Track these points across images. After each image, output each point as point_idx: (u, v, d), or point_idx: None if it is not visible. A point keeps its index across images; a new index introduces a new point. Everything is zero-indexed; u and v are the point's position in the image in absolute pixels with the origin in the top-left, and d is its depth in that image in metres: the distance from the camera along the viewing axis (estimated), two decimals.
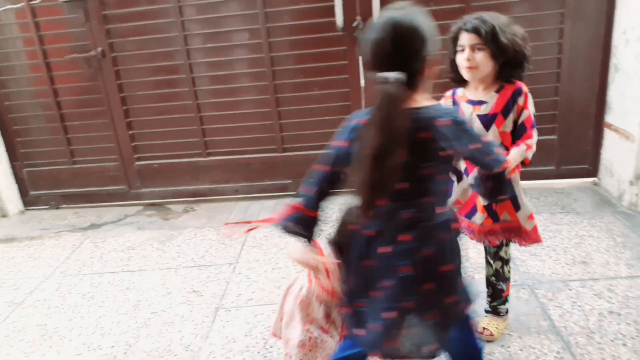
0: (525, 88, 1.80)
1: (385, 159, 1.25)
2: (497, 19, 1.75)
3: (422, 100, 1.32)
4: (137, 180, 3.84)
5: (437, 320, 1.38)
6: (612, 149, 3.26)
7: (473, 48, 1.74)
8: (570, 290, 2.33)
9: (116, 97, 3.59)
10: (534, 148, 1.80)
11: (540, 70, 3.26)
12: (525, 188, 3.35)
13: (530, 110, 1.79)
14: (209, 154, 3.73)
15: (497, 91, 1.80)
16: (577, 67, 3.24)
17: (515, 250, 2.68)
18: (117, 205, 3.89)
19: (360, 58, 3.24)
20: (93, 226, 3.59)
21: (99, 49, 3.47)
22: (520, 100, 1.78)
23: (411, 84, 1.26)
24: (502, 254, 2.00)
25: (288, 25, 3.36)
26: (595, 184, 3.44)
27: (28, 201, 3.99)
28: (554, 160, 3.45)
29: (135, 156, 3.78)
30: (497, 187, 1.44)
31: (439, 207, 1.37)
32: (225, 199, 3.79)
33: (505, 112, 1.79)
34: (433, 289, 1.36)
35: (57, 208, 3.97)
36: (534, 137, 1.80)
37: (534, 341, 2.02)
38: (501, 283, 2.04)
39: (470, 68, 1.76)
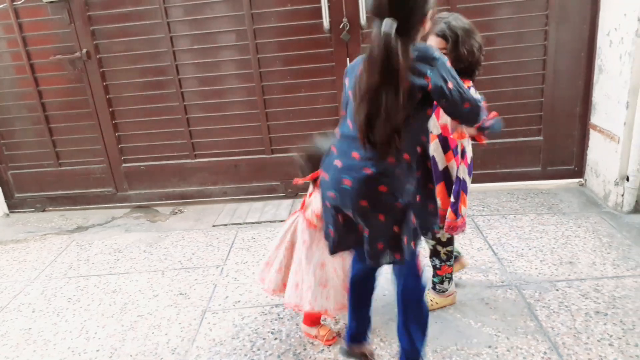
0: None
1: (380, 97, 1.39)
2: (462, 25, 1.83)
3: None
4: (124, 183, 3.81)
5: (371, 237, 1.56)
6: (597, 150, 3.28)
7: None
8: (557, 290, 2.34)
9: (102, 98, 3.56)
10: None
11: (525, 72, 3.30)
12: (511, 189, 3.44)
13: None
14: (197, 156, 3.71)
15: None
16: (562, 68, 3.26)
17: (502, 251, 2.70)
18: (104, 208, 3.86)
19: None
20: (79, 229, 3.56)
21: (84, 50, 3.44)
22: None
23: (408, 35, 1.39)
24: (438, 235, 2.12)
25: (275, 27, 3.35)
26: (581, 184, 3.47)
27: (13, 204, 3.95)
28: (540, 161, 3.47)
29: (122, 158, 3.75)
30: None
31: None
32: (213, 200, 3.78)
33: None
34: (366, 206, 1.51)
35: (43, 211, 3.92)
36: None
37: (521, 342, 2.03)
38: (436, 260, 2.20)
39: None
